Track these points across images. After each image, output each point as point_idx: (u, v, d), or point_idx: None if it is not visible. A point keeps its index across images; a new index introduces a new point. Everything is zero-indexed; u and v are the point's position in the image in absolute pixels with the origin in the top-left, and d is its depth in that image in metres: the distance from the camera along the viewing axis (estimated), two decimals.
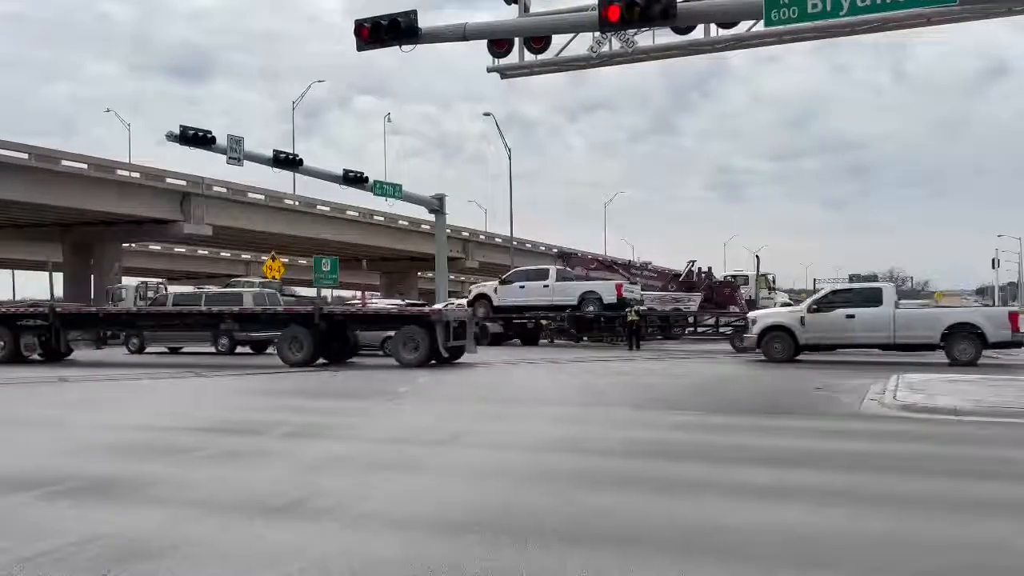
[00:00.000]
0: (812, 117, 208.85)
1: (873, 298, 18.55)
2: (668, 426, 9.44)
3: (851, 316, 18.28)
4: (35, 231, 43.02)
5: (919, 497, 5.76)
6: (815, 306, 18.95)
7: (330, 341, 19.17)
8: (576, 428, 9.25)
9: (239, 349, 24.41)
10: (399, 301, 29.61)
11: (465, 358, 19.47)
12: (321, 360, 19.01)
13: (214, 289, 33.71)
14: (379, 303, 28.39)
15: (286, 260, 43.23)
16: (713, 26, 16.89)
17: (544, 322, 29.01)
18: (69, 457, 7.51)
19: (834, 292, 19.97)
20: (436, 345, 18.01)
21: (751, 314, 21.06)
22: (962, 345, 17.57)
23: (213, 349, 24.33)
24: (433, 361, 18.37)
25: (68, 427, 9.67)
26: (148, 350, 25.21)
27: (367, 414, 10.68)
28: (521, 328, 29.36)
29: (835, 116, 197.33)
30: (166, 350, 25.95)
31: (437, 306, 26.51)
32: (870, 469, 6.63)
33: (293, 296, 35.96)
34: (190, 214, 40.30)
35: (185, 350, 25.94)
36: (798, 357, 18.91)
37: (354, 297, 49.20)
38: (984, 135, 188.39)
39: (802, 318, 18.73)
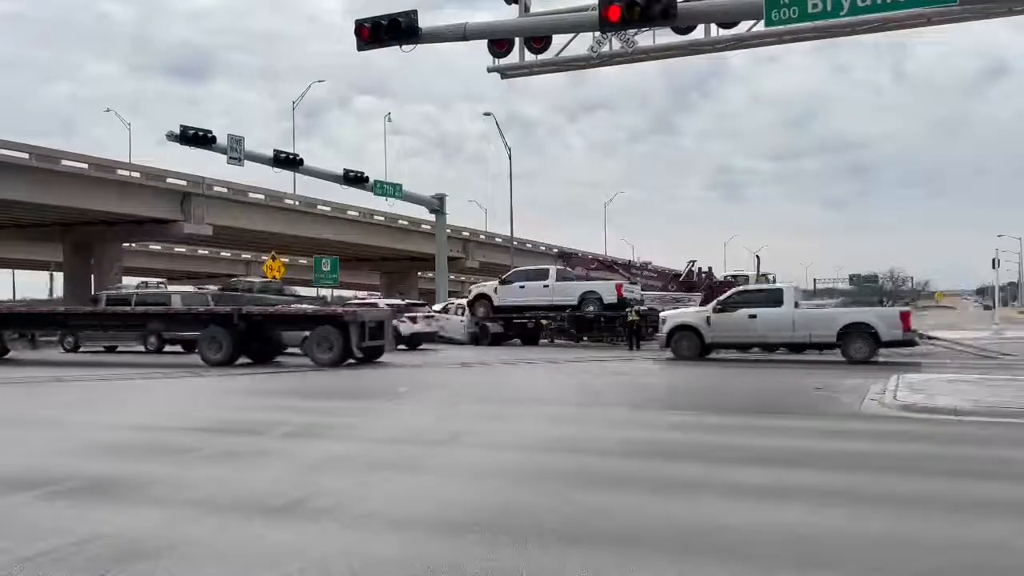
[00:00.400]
0: (812, 117, 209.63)
1: (774, 299, 19.17)
2: (665, 426, 9.43)
3: (753, 316, 18.89)
4: (36, 231, 43.03)
5: (919, 497, 5.75)
6: (720, 306, 19.57)
7: (250, 341, 19.41)
8: (574, 428, 9.24)
9: (169, 348, 24.81)
10: (399, 301, 29.63)
11: (476, 357, 19.49)
12: (245, 360, 19.19)
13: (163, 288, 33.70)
14: (381, 303, 28.41)
15: (286, 260, 43.22)
16: (713, 26, 16.88)
17: (544, 322, 28.99)
18: (68, 457, 7.51)
19: (738, 293, 20.59)
20: (350, 345, 18.24)
21: (662, 314, 21.58)
22: (857, 344, 18.02)
23: (143, 348, 24.89)
24: (351, 360, 18.56)
25: (66, 427, 9.67)
26: (82, 349, 25.61)
27: (367, 414, 10.68)
28: (521, 328, 29.35)
29: (835, 116, 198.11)
30: (103, 349, 26.22)
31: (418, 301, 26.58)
32: (870, 469, 6.62)
33: (294, 296, 35.98)
34: (190, 214, 40.30)
35: (120, 349, 26.31)
36: (710, 355, 19.70)
37: (355, 297, 49.19)
38: (984, 135, 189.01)
39: (708, 318, 19.41)
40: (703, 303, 32.91)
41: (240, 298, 24.72)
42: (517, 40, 17.94)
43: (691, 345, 19.45)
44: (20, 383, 15.59)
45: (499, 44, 18.00)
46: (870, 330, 18.03)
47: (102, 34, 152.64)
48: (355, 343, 18.21)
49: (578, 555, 4.38)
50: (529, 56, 18.12)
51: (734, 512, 5.23)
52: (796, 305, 19.02)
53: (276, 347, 20.25)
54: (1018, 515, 5.27)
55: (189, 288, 30.38)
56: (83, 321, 22.92)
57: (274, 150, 32.47)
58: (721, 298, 20.39)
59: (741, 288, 22.13)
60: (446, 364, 19.83)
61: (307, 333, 19.52)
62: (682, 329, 19.68)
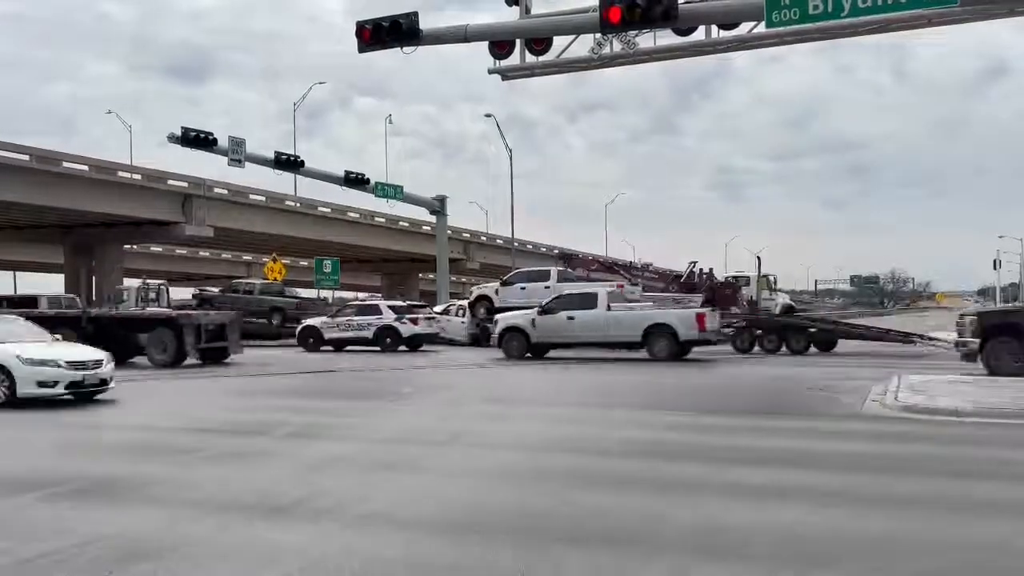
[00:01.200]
0: (812, 117, 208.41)
1: (589, 303, 20.51)
2: (667, 427, 9.43)
3: (572, 318, 20.31)
4: (36, 233, 43.00)
5: (920, 497, 5.75)
6: (542, 310, 20.87)
7: (107, 343, 19.64)
8: (574, 428, 9.25)
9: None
10: (400, 302, 29.64)
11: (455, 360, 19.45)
12: None
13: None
14: (382, 304, 28.40)
15: (287, 261, 43.17)
16: (715, 27, 16.87)
17: None
18: (70, 458, 7.52)
19: (558, 298, 21.45)
20: (184, 347, 18.66)
21: (497, 316, 22.53)
22: (660, 343, 19.21)
23: None
24: (194, 361, 18.85)
25: (68, 428, 9.67)
26: None
27: (368, 414, 10.68)
28: None
29: (835, 116, 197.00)
30: None
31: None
32: (871, 469, 6.62)
33: (295, 297, 36.00)
34: (191, 216, 40.28)
35: None
36: (548, 354, 20.99)
37: (356, 298, 49.14)
38: (984, 135, 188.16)
39: (533, 320, 20.78)
40: (704, 304, 33.06)
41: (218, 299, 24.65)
42: (518, 42, 17.91)
43: (519, 345, 20.74)
44: None
45: (500, 46, 17.98)
46: (671, 330, 19.12)
47: (102, 34, 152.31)
48: (190, 345, 18.68)
49: (578, 555, 4.38)
50: (530, 58, 18.09)
51: (734, 512, 5.23)
52: (608, 308, 20.22)
53: (134, 349, 20.43)
54: (1018, 515, 5.27)
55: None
56: None
57: (275, 152, 32.50)
58: (545, 302, 21.54)
59: (564, 293, 22.60)
60: (447, 365, 19.84)
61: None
62: (511, 330, 20.93)
